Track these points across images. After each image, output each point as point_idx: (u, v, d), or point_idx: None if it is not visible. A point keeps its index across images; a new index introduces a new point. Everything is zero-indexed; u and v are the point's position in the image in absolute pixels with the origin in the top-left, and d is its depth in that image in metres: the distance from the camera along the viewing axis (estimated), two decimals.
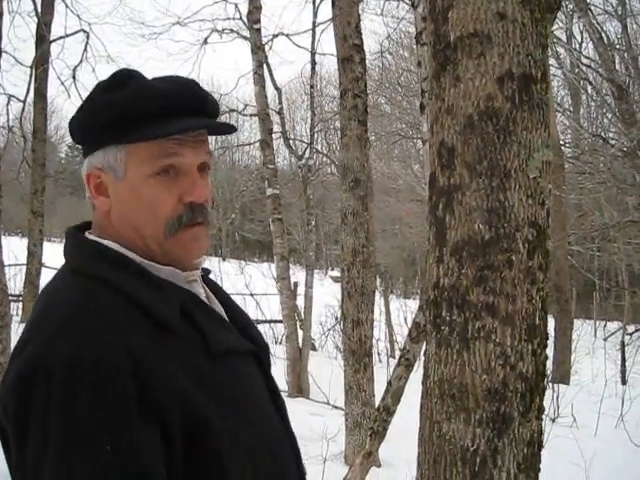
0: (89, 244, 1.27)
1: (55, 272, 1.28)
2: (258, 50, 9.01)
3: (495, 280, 2.09)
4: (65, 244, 1.30)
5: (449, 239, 2.15)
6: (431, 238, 2.23)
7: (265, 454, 1.26)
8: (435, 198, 2.20)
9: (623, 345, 14.38)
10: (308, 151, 11.11)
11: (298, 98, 32.97)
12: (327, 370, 9.51)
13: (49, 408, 1.05)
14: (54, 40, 14.99)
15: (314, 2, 10.59)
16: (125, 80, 1.25)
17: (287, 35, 10.81)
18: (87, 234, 1.30)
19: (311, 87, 11.18)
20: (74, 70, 15.14)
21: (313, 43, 10.56)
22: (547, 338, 2.23)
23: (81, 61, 15.25)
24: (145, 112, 1.23)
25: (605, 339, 18.94)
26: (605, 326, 21.65)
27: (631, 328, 19.84)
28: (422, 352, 2.46)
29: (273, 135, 9.65)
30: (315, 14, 10.56)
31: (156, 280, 1.23)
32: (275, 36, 10.76)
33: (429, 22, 2.27)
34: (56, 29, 14.28)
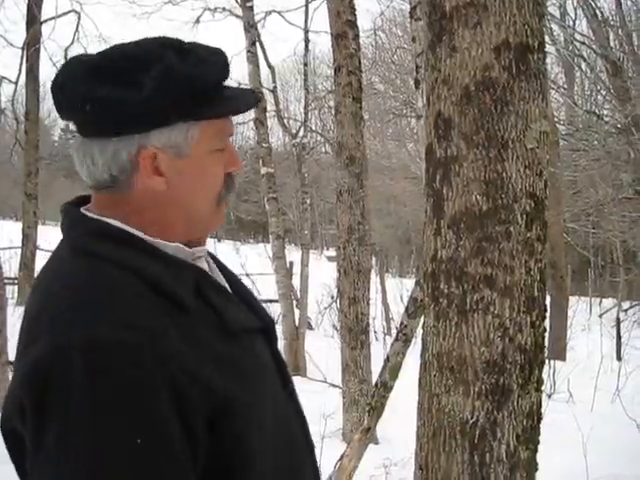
0: (92, 221, 1.19)
1: (52, 252, 1.23)
2: (251, 28, 8.96)
3: (493, 252, 2.08)
4: (63, 221, 1.24)
5: (446, 211, 2.14)
6: (428, 210, 2.22)
7: (283, 436, 1.25)
8: (432, 170, 2.18)
9: (618, 321, 14.41)
10: (302, 130, 11.08)
11: (292, 78, 32.84)
12: (324, 348, 9.53)
13: (73, 398, 1.00)
14: (45, 21, 14.91)
15: None
16: (191, 51, 1.18)
17: (280, 13, 10.76)
18: (84, 211, 1.23)
19: (305, 65, 11.14)
20: (66, 51, 15.08)
21: (306, 21, 10.51)
22: (546, 310, 2.22)
23: (73, 41, 15.18)
24: (215, 85, 1.18)
25: (600, 316, 18.98)
26: (600, 303, 21.69)
27: (626, 304, 19.91)
28: (419, 327, 2.45)
29: (267, 114, 9.64)
30: None
31: (168, 257, 1.19)
32: (268, 14, 10.72)
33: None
34: (47, 9, 14.20)
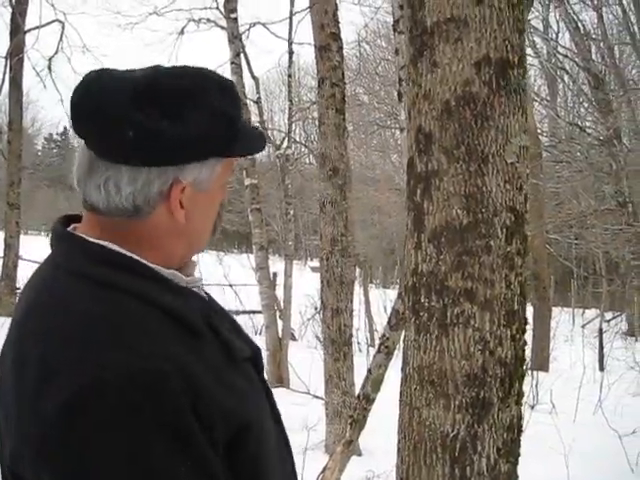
0: (92, 245, 1.16)
1: (42, 274, 1.19)
2: (235, 40, 8.97)
3: (473, 265, 2.09)
4: (58, 245, 1.20)
5: (427, 225, 2.14)
6: (409, 224, 2.23)
7: (277, 460, 1.28)
8: (413, 184, 2.19)
9: (601, 332, 14.50)
10: (286, 141, 11.09)
11: (276, 88, 32.90)
12: (307, 359, 9.51)
13: (116, 433, 0.98)
14: (29, 30, 14.85)
15: None
16: (231, 88, 1.21)
17: (264, 24, 10.78)
18: (79, 233, 1.19)
19: (289, 76, 11.17)
20: (50, 60, 15.04)
21: (290, 32, 10.53)
22: (526, 323, 2.23)
23: (57, 51, 15.14)
24: (242, 124, 1.21)
25: (583, 326, 19.09)
26: (583, 313, 21.83)
27: (608, 315, 20.05)
28: (401, 339, 2.46)
29: (251, 123, 9.62)
30: (292, 2, 10.53)
31: (173, 285, 1.19)
32: (252, 25, 10.75)
33: (406, 7, 2.26)
34: (31, 19, 14.15)
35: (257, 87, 11.04)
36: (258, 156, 22.58)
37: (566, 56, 20.47)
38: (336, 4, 6.35)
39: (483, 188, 2.08)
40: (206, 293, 1.35)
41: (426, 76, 2.14)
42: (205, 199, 1.20)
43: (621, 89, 20.00)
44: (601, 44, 20.09)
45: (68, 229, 1.21)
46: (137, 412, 0.99)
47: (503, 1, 2.12)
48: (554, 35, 22.51)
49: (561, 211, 19.33)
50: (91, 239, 1.16)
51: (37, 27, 15.25)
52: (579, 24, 19.72)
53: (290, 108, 11.36)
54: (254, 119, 10.57)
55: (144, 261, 1.16)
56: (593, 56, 19.86)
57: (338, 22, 6.31)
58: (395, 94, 5.34)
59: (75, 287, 1.12)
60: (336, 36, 6.25)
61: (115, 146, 1.12)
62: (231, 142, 1.17)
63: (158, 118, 1.10)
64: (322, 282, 6.50)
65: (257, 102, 11.05)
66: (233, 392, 1.14)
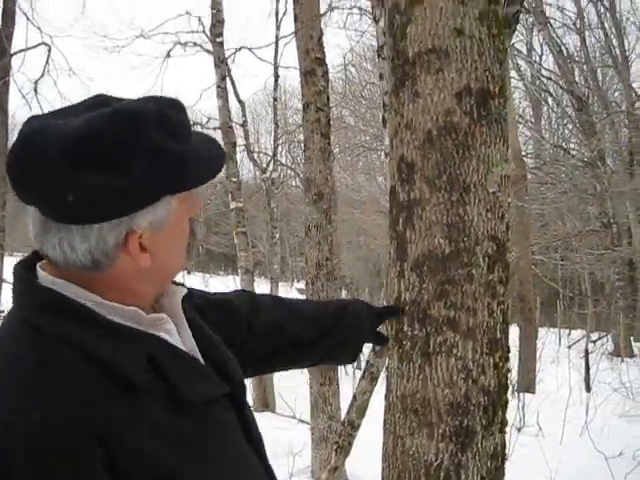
0: (43, 291, 1.15)
1: (7, 316, 1.19)
2: (221, 64, 9.01)
3: (456, 294, 2.10)
4: (14, 287, 1.19)
5: (410, 254, 2.15)
6: (392, 253, 2.24)
7: None
8: (395, 213, 2.20)
9: (587, 353, 14.52)
10: (272, 164, 11.12)
11: (262, 110, 32.99)
12: (293, 384, 9.48)
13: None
14: (15, 53, 14.83)
15: (277, 16, 10.64)
16: (171, 123, 1.14)
17: (250, 49, 10.82)
18: (40, 271, 1.18)
19: (274, 100, 11.23)
20: (36, 83, 15.02)
21: (276, 57, 10.59)
22: (509, 351, 2.24)
23: (43, 74, 15.13)
24: (192, 156, 1.16)
25: (569, 347, 19.12)
26: (569, 334, 21.87)
27: (594, 336, 20.08)
28: (386, 366, 2.46)
29: (237, 148, 9.66)
30: (278, 27, 10.60)
31: (119, 329, 1.16)
32: (238, 50, 10.79)
33: (388, 37, 2.28)
34: (17, 42, 14.13)
35: (243, 111, 11.09)
36: (244, 177, 22.60)
37: (550, 79, 20.69)
38: (321, 29, 6.39)
39: (465, 217, 2.09)
40: (190, 315, 1.35)
41: (408, 106, 2.16)
42: (168, 234, 1.18)
43: (604, 111, 20.21)
44: (584, 67, 20.32)
45: (37, 265, 1.20)
46: (40, 463, 0.99)
47: (483, 32, 2.14)
48: (538, 58, 22.74)
49: (547, 232, 19.45)
50: (48, 280, 1.16)
51: (23, 50, 15.23)
52: (562, 47, 19.95)
53: (276, 131, 11.41)
54: (240, 142, 10.60)
55: (97, 299, 1.15)
56: (576, 79, 20.08)
57: (323, 47, 6.35)
58: (380, 117, 5.37)
59: (17, 332, 1.12)
60: (321, 61, 6.28)
61: (60, 210, 1.09)
62: (180, 177, 1.14)
63: (95, 174, 1.06)
64: None
65: (243, 125, 11.09)
66: (168, 440, 1.11)
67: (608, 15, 21.01)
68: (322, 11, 6.96)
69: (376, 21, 4.93)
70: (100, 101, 1.16)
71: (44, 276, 1.17)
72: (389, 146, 2.29)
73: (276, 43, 10.50)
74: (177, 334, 1.29)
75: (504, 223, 2.15)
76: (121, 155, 1.07)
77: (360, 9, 10.73)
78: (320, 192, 6.24)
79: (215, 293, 1.77)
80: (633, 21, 22.35)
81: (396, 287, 2.21)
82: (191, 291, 1.48)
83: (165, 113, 1.14)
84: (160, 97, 1.20)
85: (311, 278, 6.42)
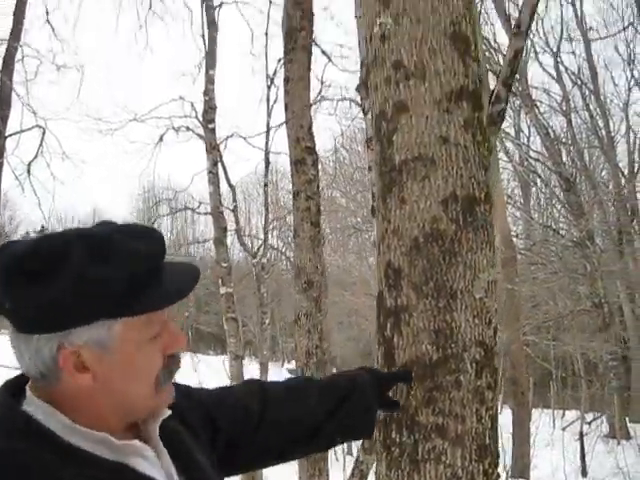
0: (18, 417, 1.16)
1: None
2: (213, 150, 9.13)
3: (444, 401, 2.08)
4: None
5: (397, 360, 2.14)
6: (380, 358, 2.22)
7: None
8: (383, 318, 2.20)
9: (582, 436, 14.35)
10: (262, 249, 11.16)
11: (254, 191, 33.20)
12: (282, 475, 9.30)
13: None
14: (10, 135, 14.98)
15: (268, 102, 10.83)
16: (106, 247, 1.14)
17: (244, 138, 10.96)
18: (27, 391, 1.19)
19: (265, 185, 11.33)
20: (29, 165, 15.12)
21: (267, 143, 10.73)
22: (498, 457, 2.21)
23: (36, 156, 15.25)
24: (139, 281, 1.15)
25: (564, 429, 18.89)
26: (563, 415, 21.64)
27: (589, 417, 19.85)
28: (374, 471, 2.43)
29: (227, 233, 9.71)
30: (269, 114, 10.77)
31: (83, 456, 1.15)
32: (230, 136, 10.95)
33: (375, 144, 2.31)
34: (12, 124, 14.29)
35: (234, 195, 11.19)
36: (235, 257, 22.65)
37: (538, 160, 20.98)
38: (311, 118, 6.50)
39: (452, 324, 2.09)
40: (173, 427, 1.32)
41: (395, 212, 2.18)
42: (120, 359, 1.17)
43: (592, 191, 20.46)
44: (571, 148, 20.64)
45: (26, 387, 1.21)
46: None
47: (468, 139, 2.18)
48: (526, 140, 23.09)
49: (538, 313, 19.40)
50: (31, 401, 1.17)
51: (18, 132, 15.38)
52: (549, 129, 20.30)
53: (267, 216, 11.49)
54: (230, 227, 10.66)
55: (68, 423, 1.15)
56: (564, 159, 20.37)
57: (313, 136, 6.44)
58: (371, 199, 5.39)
59: None
60: (311, 150, 6.37)
61: (6, 317, 1.14)
62: (119, 303, 1.14)
63: (26, 287, 1.10)
64: None
65: (234, 211, 11.16)
66: None
67: (593, 97, 21.47)
68: (312, 100, 7.04)
69: (365, 113, 5.02)
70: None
71: (29, 396, 1.18)
72: (376, 251, 2.30)
73: (267, 130, 10.66)
74: (156, 459, 1.27)
75: (491, 328, 2.15)
76: (50, 274, 1.10)
77: (349, 99, 10.92)
78: (310, 280, 6.25)
79: (222, 388, 1.75)
80: (617, 102, 22.85)
81: None
82: (190, 391, 1.49)
83: (107, 238, 1.16)
84: (122, 224, 1.22)
85: (301, 367, 6.36)
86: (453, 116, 2.17)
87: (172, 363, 1.25)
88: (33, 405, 1.17)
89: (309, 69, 6.49)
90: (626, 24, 21.33)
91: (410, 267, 2.12)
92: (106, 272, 1.12)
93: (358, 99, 6.79)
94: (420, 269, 2.11)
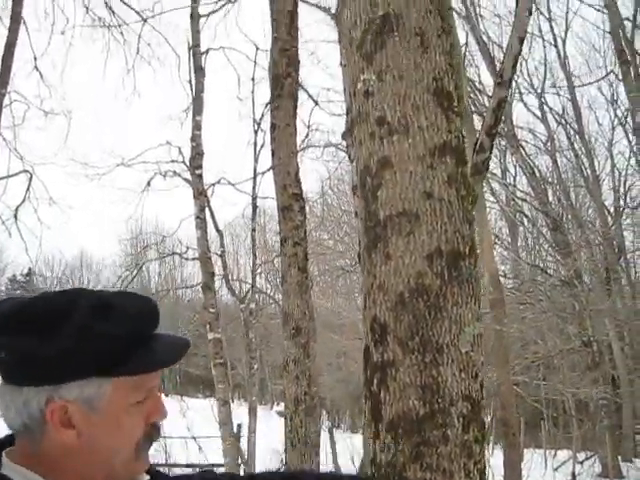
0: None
1: None
2: (200, 196, 9.15)
3: (431, 456, 2.07)
4: None
5: (384, 415, 2.13)
6: (367, 413, 2.22)
7: None
8: (369, 373, 2.20)
9: (574, 476, 14.28)
10: (250, 294, 11.15)
11: (242, 232, 33.22)
12: None
13: None
14: None
15: (255, 147, 10.91)
16: (107, 306, 1.18)
17: (232, 184, 10.99)
18: (4, 456, 1.20)
19: (253, 230, 11.35)
20: (16, 210, 15.10)
21: (254, 188, 10.79)
22: None
23: (23, 200, 15.22)
24: (136, 341, 1.18)
25: (556, 469, 18.77)
26: (555, 455, 21.50)
27: (581, 456, 19.74)
28: None
29: (216, 276, 9.70)
30: (256, 159, 10.84)
31: None
32: (217, 182, 10.98)
33: (360, 198, 2.33)
34: None
35: (221, 241, 11.21)
36: (224, 300, 22.56)
37: (524, 200, 21.11)
38: (298, 165, 6.52)
39: (439, 378, 2.08)
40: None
41: (380, 267, 2.19)
42: (103, 419, 1.18)
43: (579, 229, 20.56)
44: (557, 187, 20.80)
45: (4, 451, 1.21)
46: None
47: (452, 194, 2.20)
48: (512, 179, 23.25)
49: (527, 352, 19.36)
50: (7, 466, 1.17)
51: (4, 177, 15.38)
52: (535, 169, 20.48)
53: (254, 262, 11.51)
54: (218, 272, 10.65)
55: None
56: (550, 199, 20.51)
57: (300, 183, 6.46)
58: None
59: None
60: (298, 196, 6.38)
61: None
62: (115, 361, 1.16)
63: (26, 339, 1.12)
64: (286, 442, 6.37)
65: (221, 256, 11.16)
66: None
67: (577, 137, 21.69)
68: (299, 146, 7.09)
69: (352, 161, 5.04)
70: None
71: (5, 462, 1.18)
72: (362, 305, 2.31)
73: (254, 176, 10.74)
74: None
75: (478, 382, 2.15)
76: (51, 327, 1.13)
77: (335, 146, 11.00)
78: (298, 326, 6.23)
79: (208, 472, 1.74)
80: (602, 142, 23.10)
81: (371, 448, 2.18)
82: None
83: (108, 299, 1.20)
84: (121, 291, 1.29)
85: (290, 414, 6.32)
86: (437, 171, 2.19)
87: (153, 431, 1.25)
88: (9, 470, 1.16)
89: (295, 116, 6.54)
90: (608, 67, 21.63)
91: (396, 322, 2.13)
92: (107, 328, 1.15)
93: (343, 144, 6.83)
94: (406, 324, 2.11)
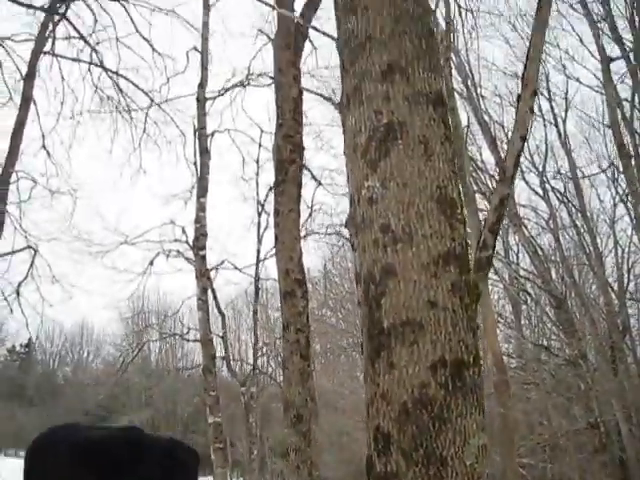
0: None
1: None
2: (202, 277, 9.15)
3: None
4: None
5: None
6: None
7: None
8: None
9: None
10: (252, 377, 11.04)
11: (244, 307, 33.01)
12: None
13: None
14: (0, 256, 14.99)
15: (258, 230, 10.96)
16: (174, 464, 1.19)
17: (236, 267, 10.98)
18: None
19: (254, 313, 11.30)
20: (19, 286, 15.10)
21: (257, 270, 10.79)
22: None
23: (26, 277, 15.23)
24: None
25: None
26: None
27: None
28: None
29: (215, 360, 9.61)
30: (259, 241, 10.88)
31: None
32: (220, 264, 10.99)
33: (363, 305, 2.32)
34: (3, 244, 14.35)
35: (223, 322, 11.15)
36: (224, 376, 22.32)
37: (527, 279, 21.04)
38: (301, 250, 6.54)
39: None
40: None
41: (384, 376, 2.17)
42: None
43: (583, 307, 20.42)
44: (560, 265, 20.75)
45: None
46: None
47: (456, 303, 2.19)
48: (515, 257, 23.23)
49: (532, 434, 19.04)
50: None
51: (9, 253, 15.42)
52: (537, 248, 20.47)
53: (256, 345, 11.44)
54: (219, 354, 10.56)
55: None
56: (553, 277, 20.44)
57: (303, 268, 6.47)
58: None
59: None
60: (301, 282, 6.38)
61: None
62: None
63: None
64: None
65: (223, 337, 11.08)
66: None
67: (579, 214, 21.71)
68: (301, 228, 7.12)
69: (353, 248, 5.05)
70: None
71: None
72: (366, 414, 2.28)
73: (257, 260, 10.75)
74: None
75: None
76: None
77: (338, 233, 11.04)
78: (299, 414, 6.14)
79: None
80: (604, 219, 23.11)
81: None
82: None
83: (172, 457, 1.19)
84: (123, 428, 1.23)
85: None
86: (441, 280, 2.19)
87: None
88: None
89: (299, 201, 6.59)
90: (609, 148, 21.82)
91: (399, 433, 2.10)
92: None
93: (345, 231, 6.86)
94: (410, 435, 2.08)
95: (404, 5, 2.48)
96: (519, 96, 2.69)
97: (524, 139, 2.60)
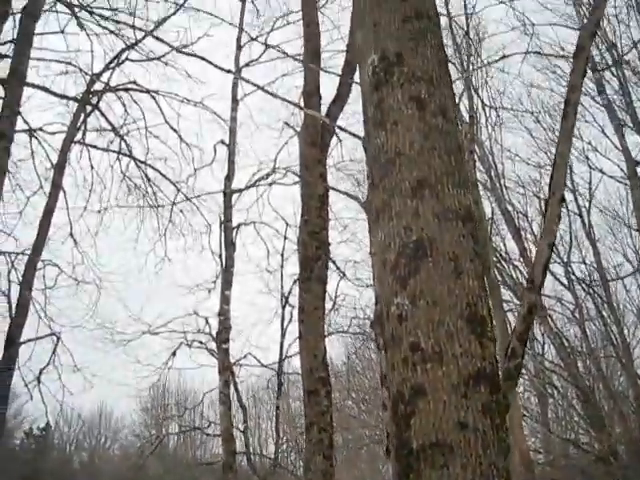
0: None
1: None
2: (225, 371, 9.08)
3: None
4: None
5: None
6: None
7: None
8: None
9: None
10: (272, 471, 10.85)
11: (264, 396, 32.67)
12: None
13: None
14: (24, 342, 14.98)
15: (282, 323, 10.90)
16: None
17: (260, 362, 10.87)
18: None
19: (277, 408, 11.17)
20: (40, 372, 15.04)
21: (280, 365, 10.70)
22: None
23: (48, 364, 15.17)
24: None
25: None
26: None
27: None
28: None
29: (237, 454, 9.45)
30: (283, 335, 10.83)
31: None
32: (243, 357, 10.92)
33: (391, 425, 2.28)
34: (26, 330, 14.35)
35: (244, 416, 11.00)
36: (242, 468, 21.88)
37: (553, 371, 20.68)
38: (325, 348, 6.48)
39: None
40: None
41: None
42: None
43: (611, 400, 19.96)
44: (587, 357, 20.37)
45: None
46: None
47: (487, 424, 2.15)
48: (540, 349, 22.89)
49: None
50: None
51: (32, 339, 15.40)
52: (563, 339, 20.16)
53: (277, 440, 11.25)
54: (239, 448, 10.36)
55: None
56: (580, 369, 20.05)
57: (327, 366, 6.41)
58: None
59: None
60: (325, 381, 6.31)
61: None
62: None
63: None
64: None
65: (244, 432, 10.90)
66: None
67: (605, 305, 21.44)
68: (325, 326, 7.09)
69: (379, 349, 4.99)
70: None
71: None
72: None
73: (280, 353, 10.68)
74: None
75: None
76: None
77: (362, 334, 10.92)
78: None
79: None
80: (630, 309, 22.79)
81: None
82: None
83: None
84: None
85: None
86: (471, 401, 2.15)
87: None
88: None
89: (324, 298, 6.57)
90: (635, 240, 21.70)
91: None
92: None
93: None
94: None
95: (433, 121, 2.51)
96: (546, 202, 2.69)
97: (552, 246, 2.60)
